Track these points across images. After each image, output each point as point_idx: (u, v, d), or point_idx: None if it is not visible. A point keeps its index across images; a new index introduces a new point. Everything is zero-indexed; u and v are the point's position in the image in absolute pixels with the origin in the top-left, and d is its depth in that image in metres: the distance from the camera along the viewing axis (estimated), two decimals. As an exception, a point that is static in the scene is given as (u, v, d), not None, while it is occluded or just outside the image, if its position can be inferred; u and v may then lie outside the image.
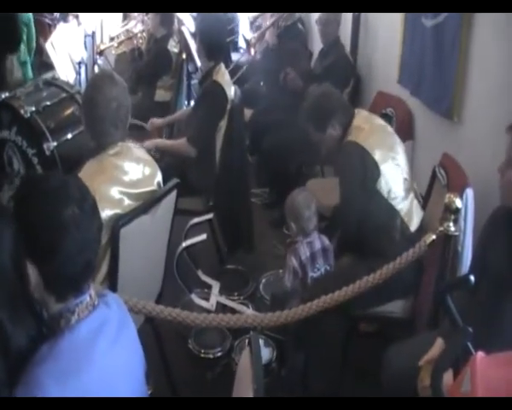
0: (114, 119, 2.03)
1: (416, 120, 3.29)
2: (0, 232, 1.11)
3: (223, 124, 3.12)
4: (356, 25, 4.01)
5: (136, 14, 5.20)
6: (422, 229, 2.58)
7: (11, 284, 1.14)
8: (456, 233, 2.17)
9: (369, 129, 2.55)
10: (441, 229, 2.15)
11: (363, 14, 3.99)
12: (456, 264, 2.37)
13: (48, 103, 2.51)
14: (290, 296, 2.44)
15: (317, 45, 4.42)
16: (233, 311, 2.91)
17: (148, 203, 1.99)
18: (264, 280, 3.28)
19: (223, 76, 3.13)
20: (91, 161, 2.00)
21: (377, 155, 2.44)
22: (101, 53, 4.37)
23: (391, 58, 3.56)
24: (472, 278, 1.67)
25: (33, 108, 2.41)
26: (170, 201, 2.10)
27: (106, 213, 1.88)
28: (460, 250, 2.36)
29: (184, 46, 4.18)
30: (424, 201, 2.77)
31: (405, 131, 3.33)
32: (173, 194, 2.11)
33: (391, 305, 2.55)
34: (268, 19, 4.93)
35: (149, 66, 4.12)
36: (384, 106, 3.51)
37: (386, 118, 3.46)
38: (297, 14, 4.53)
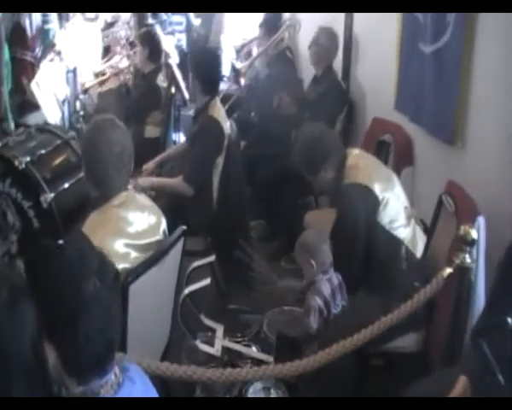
0: (118, 164, 1.99)
1: (415, 146, 3.29)
2: (19, 309, 1.03)
3: (220, 160, 3.11)
4: (347, 51, 4.04)
5: (119, 48, 5.21)
6: (428, 256, 2.59)
7: (28, 364, 1.07)
8: (472, 265, 2.15)
9: (365, 165, 2.61)
10: (457, 262, 2.12)
11: (354, 40, 4.01)
12: (470, 296, 2.35)
13: (43, 152, 2.45)
14: (311, 337, 2.41)
15: (305, 72, 4.44)
16: (239, 354, 2.86)
17: (156, 255, 1.95)
18: (267, 319, 3.23)
19: (219, 111, 3.12)
20: (95, 213, 1.96)
21: (377, 188, 2.49)
22: (86, 91, 4.33)
23: (385, 84, 3.57)
24: (510, 320, 1.63)
25: (28, 158, 2.35)
26: (177, 250, 2.06)
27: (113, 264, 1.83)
28: (473, 281, 2.34)
29: (172, 79, 4.17)
30: (430, 229, 2.76)
31: (405, 157, 3.33)
32: (181, 242, 2.06)
33: (402, 339, 2.53)
34: (254, 47, 4.97)
35: (139, 102, 4.10)
36: (381, 132, 3.52)
37: (385, 145, 3.48)
38: (285, 42, 4.55)
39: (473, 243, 2.12)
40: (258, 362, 2.85)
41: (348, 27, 4.01)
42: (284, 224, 4.09)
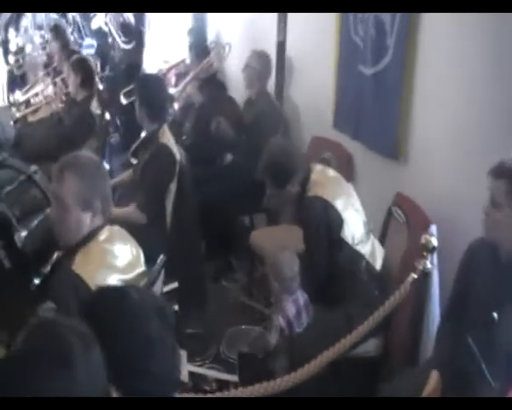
0: (101, 203, 2.02)
1: (356, 162, 3.51)
2: (91, 357, 1.05)
3: (172, 186, 3.16)
4: (280, 72, 4.22)
5: (41, 73, 5.11)
6: (385, 266, 2.79)
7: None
8: (433, 270, 2.36)
9: (327, 181, 2.77)
10: (420, 267, 2.32)
11: (287, 61, 4.20)
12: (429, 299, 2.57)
13: (9, 188, 2.39)
14: (275, 353, 2.51)
15: (234, 94, 4.58)
16: (204, 377, 2.93)
17: (146, 288, 1.98)
18: (224, 340, 3.31)
19: (168, 138, 3.18)
20: (82, 251, 1.96)
21: (339, 205, 2.64)
22: (16, 121, 4.22)
23: (322, 104, 3.79)
24: (495, 315, 1.83)
25: None
26: (160, 280, 2.11)
27: None
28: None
29: (105, 106, 4.17)
30: (380, 240, 2.97)
31: (345, 173, 3.54)
32: (162, 272, 2.12)
33: (364, 345, 2.68)
34: (181, 70, 5.05)
35: (73, 130, 4.04)
36: (321, 151, 3.71)
37: (325, 162, 3.68)
38: (216, 66, 4.68)
39: (433, 249, 2.32)
40: (223, 383, 2.93)
41: (281, 49, 4.19)
42: (222, 244, 4.20)
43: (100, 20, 6.27)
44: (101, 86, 4.28)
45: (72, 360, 0.99)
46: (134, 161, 3.89)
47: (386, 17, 2.94)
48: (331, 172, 2.83)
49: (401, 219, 2.87)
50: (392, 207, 2.95)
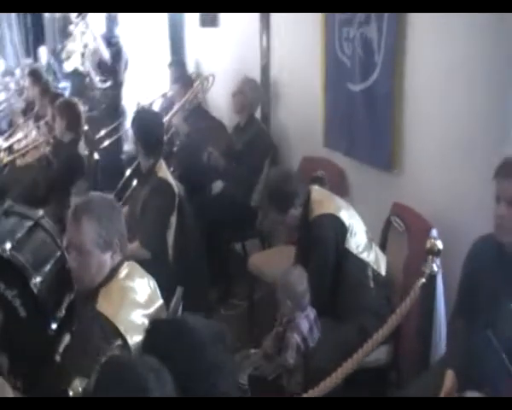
0: (119, 242, 2.05)
1: (349, 177, 3.61)
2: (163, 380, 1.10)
3: (173, 219, 3.21)
4: (266, 93, 4.32)
5: (21, 120, 5.14)
6: (387, 274, 2.87)
7: None
8: (438, 272, 2.44)
9: (327, 197, 2.89)
10: (427, 271, 2.41)
11: (272, 85, 4.31)
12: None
13: (19, 235, 2.41)
14: (290, 372, 2.56)
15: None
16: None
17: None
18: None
19: (165, 171, 3.24)
20: (104, 289, 1.97)
21: (343, 214, 2.76)
22: (5, 166, 4.24)
23: (310, 124, 3.90)
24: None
25: (9, 245, 2.30)
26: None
27: (134, 339, 1.87)
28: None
29: (93, 146, 4.22)
30: (380, 249, 3.05)
31: (339, 189, 3.63)
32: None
33: (375, 353, 2.72)
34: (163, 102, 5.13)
35: (61, 172, 4.08)
36: (312, 169, 3.79)
37: (318, 180, 3.77)
38: (200, 97, 4.78)
39: (439, 252, 2.41)
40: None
41: (265, 74, 4.31)
42: (217, 272, 4.24)
43: (75, 61, 6.35)
44: (86, 127, 4.31)
45: (150, 393, 1.04)
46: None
47: (373, 35, 3.07)
48: (327, 191, 2.96)
49: (400, 227, 2.96)
50: (390, 216, 3.04)
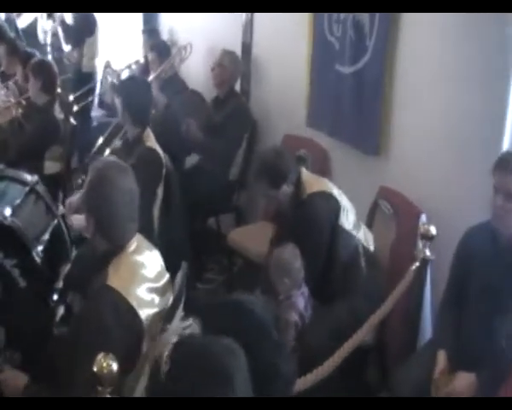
0: (131, 212, 2.02)
1: (332, 158, 3.69)
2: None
3: (159, 191, 3.19)
4: (246, 72, 4.33)
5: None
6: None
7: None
8: (433, 258, 2.55)
9: (317, 178, 2.93)
10: (421, 256, 2.52)
11: (253, 61, 4.32)
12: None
13: (18, 202, 2.33)
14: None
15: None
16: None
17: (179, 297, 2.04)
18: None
19: (153, 141, 3.21)
20: (113, 265, 1.94)
21: (335, 192, 2.82)
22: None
23: (293, 102, 3.94)
24: None
25: (9, 211, 2.22)
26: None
27: (146, 314, 1.90)
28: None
29: (68, 110, 4.12)
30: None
31: (322, 169, 3.71)
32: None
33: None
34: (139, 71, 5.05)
35: (35, 137, 3.97)
36: (295, 148, 3.84)
37: (301, 160, 3.83)
38: (176, 67, 4.72)
39: (432, 237, 2.52)
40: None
41: (246, 49, 4.31)
42: (192, 246, 4.26)
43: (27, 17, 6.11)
44: (59, 89, 4.20)
45: (231, 374, 1.09)
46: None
47: (365, 19, 3.13)
48: (314, 175, 2.97)
49: (388, 211, 3.08)
50: (378, 200, 3.14)
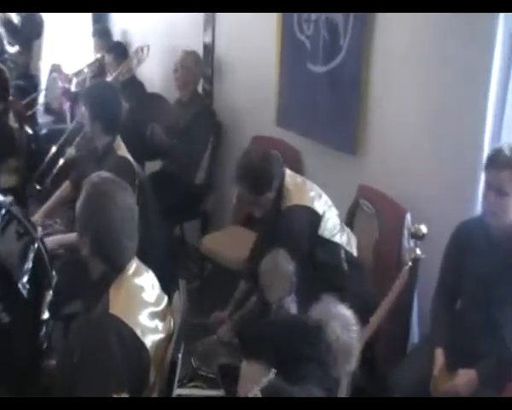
0: (131, 230, 1.89)
1: (305, 158, 3.67)
2: None
3: (133, 203, 3.08)
4: (208, 69, 4.26)
5: None
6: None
7: None
8: (423, 256, 2.58)
9: (300, 186, 2.86)
10: (413, 256, 2.54)
11: (216, 62, 4.25)
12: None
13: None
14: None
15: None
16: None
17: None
18: (195, 355, 3.27)
19: (124, 149, 3.10)
20: (114, 290, 1.81)
21: (317, 207, 2.79)
22: None
23: (261, 102, 3.90)
24: None
25: None
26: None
27: (151, 341, 1.81)
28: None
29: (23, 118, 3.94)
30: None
31: (294, 170, 3.67)
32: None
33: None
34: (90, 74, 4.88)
35: (-11, 148, 3.77)
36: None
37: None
38: (133, 69, 4.60)
39: (423, 236, 2.55)
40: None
41: (208, 48, 4.23)
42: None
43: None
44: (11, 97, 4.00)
45: None
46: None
47: (338, 18, 3.13)
48: (295, 176, 2.91)
49: (370, 210, 3.08)
50: (359, 199, 3.14)
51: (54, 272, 2.29)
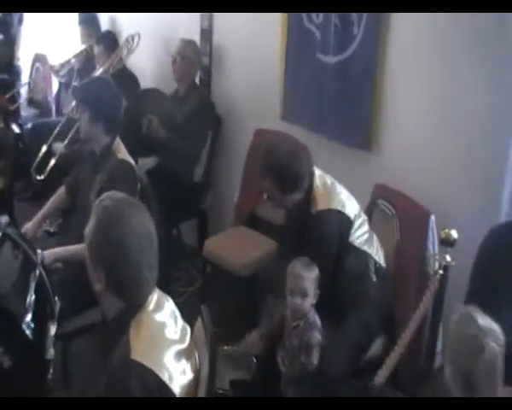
0: (150, 260, 1.68)
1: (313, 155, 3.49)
2: None
3: (136, 208, 2.88)
4: (206, 59, 4.05)
5: None
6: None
7: None
8: (453, 263, 2.42)
9: (331, 188, 2.67)
10: (444, 263, 2.39)
11: (214, 45, 4.04)
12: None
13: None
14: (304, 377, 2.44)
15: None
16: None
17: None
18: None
19: (124, 151, 2.89)
20: (134, 331, 1.61)
21: (348, 208, 2.63)
22: None
23: (263, 95, 3.71)
24: None
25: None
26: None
27: (179, 385, 1.62)
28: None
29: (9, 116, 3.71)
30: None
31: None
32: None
33: (374, 346, 2.71)
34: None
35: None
36: (269, 144, 3.62)
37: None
38: (124, 59, 4.36)
39: (454, 242, 2.39)
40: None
41: (206, 36, 4.01)
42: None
43: None
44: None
45: None
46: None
47: (352, 7, 2.94)
48: (326, 176, 2.72)
49: (389, 211, 2.91)
50: (377, 199, 2.97)
51: (56, 298, 2.09)
